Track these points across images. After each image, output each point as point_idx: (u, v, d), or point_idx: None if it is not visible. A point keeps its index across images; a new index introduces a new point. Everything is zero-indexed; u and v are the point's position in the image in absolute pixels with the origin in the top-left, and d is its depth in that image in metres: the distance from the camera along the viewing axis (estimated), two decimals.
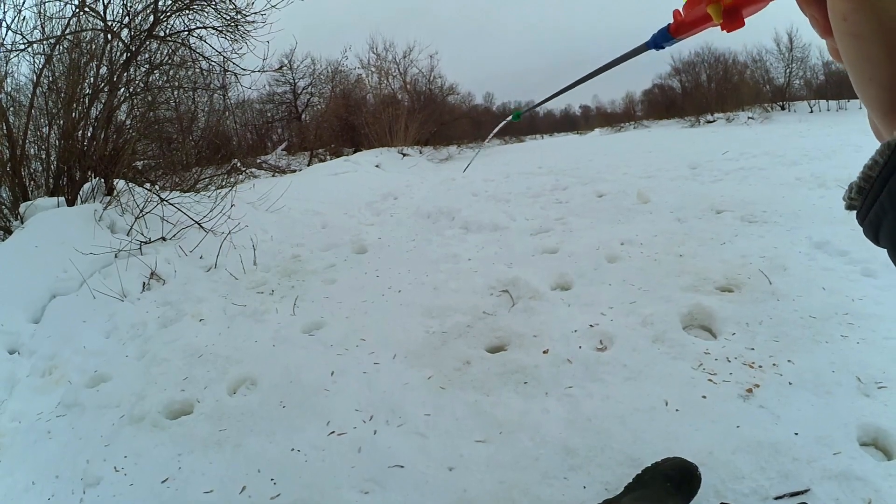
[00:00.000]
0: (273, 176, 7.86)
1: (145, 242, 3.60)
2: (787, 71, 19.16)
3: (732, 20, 0.41)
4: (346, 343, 2.39)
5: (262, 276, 3.34)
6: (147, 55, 5.09)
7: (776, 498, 1.33)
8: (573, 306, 2.50)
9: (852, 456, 1.41)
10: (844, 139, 6.99)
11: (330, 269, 3.46)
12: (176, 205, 3.99)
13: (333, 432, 1.80)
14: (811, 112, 16.19)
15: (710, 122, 17.30)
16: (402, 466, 1.60)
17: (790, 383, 1.74)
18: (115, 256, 3.36)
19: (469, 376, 2.03)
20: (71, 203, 3.99)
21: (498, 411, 1.80)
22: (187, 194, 4.60)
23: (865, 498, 1.29)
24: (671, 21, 0.49)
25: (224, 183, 5.80)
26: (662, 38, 0.50)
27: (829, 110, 15.99)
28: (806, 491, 1.33)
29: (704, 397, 1.73)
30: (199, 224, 3.95)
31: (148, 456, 1.78)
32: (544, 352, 2.11)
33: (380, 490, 1.52)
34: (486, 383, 1.97)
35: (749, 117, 15.86)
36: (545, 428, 1.69)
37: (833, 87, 17.16)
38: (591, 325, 2.27)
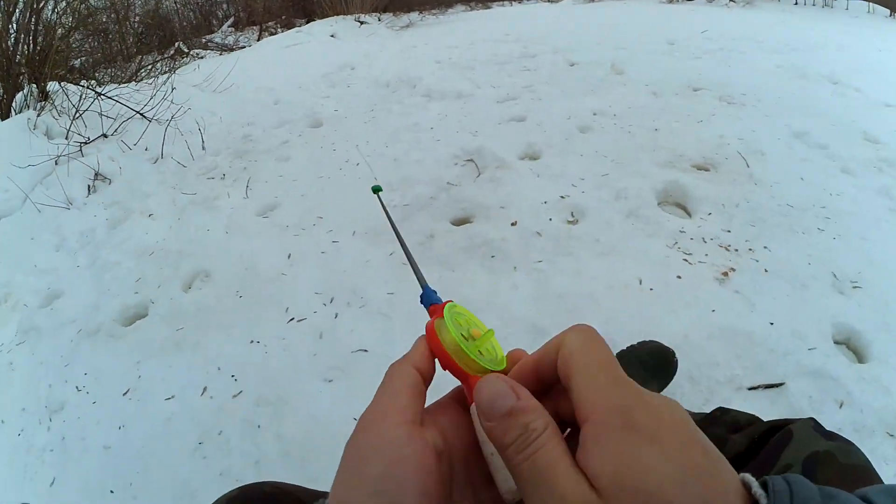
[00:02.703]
0: (220, 55, 7.05)
1: (85, 143, 3.27)
2: None
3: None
4: (302, 223, 2.23)
5: (212, 161, 3.07)
6: None
7: (750, 388, 1.33)
8: (542, 177, 2.36)
9: (827, 353, 1.41)
10: (828, 37, 6.66)
11: (283, 146, 3.18)
12: (114, 97, 3.60)
13: (293, 319, 1.70)
14: (796, 4, 15.48)
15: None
16: (365, 350, 1.53)
17: (766, 270, 1.70)
18: (56, 163, 3.06)
19: (433, 251, 1.93)
20: (4, 118, 3.55)
21: (464, 288, 1.73)
22: (125, 85, 4.20)
23: (838, 399, 1.29)
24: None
25: (168, 68, 5.32)
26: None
27: (814, 5, 15.29)
28: (780, 384, 1.32)
29: (679, 277, 1.69)
30: (140, 114, 3.58)
31: (107, 370, 1.69)
32: (512, 224, 2.01)
33: (344, 377, 1.45)
34: (451, 258, 1.88)
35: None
36: (514, 305, 1.64)
37: None
38: (561, 197, 2.16)
